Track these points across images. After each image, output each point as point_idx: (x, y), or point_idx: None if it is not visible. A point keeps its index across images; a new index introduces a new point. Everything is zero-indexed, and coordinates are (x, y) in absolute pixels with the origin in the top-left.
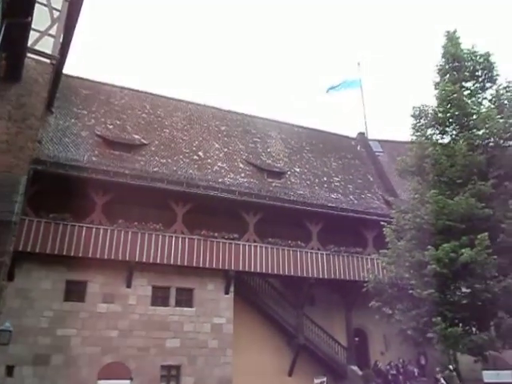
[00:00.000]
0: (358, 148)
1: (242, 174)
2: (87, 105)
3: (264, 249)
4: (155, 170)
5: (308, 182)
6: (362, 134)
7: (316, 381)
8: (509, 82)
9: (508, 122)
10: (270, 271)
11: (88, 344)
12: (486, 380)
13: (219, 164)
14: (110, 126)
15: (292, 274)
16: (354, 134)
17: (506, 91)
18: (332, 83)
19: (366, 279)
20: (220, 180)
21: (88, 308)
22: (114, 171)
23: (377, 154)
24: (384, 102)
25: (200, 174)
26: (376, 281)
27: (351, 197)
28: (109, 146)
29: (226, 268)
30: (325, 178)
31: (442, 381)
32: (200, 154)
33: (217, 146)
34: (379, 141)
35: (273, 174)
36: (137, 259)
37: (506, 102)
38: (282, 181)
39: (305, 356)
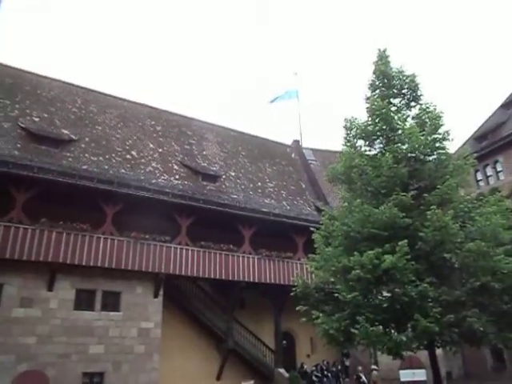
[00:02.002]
0: (293, 155)
1: (177, 176)
2: (10, 94)
3: (196, 252)
4: (84, 167)
5: (242, 187)
6: (296, 142)
7: None
8: (430, 103)
9: (428, 139)
10: (201, 275)
11: (0, 352)
12: (402, 379)
13: (153, 164)
14: (36, 119)
15: (223, 277)
16: (289, 142)
17: (427, 111)
18: (275, 94)
19: (295, 283)
20: (153, 181)
21: (2, 313)
22: (38, 166)
23: (310, 162)
24: (320, 112)
25: (132, 173)
26: (304, 285)
27: (284, 202)
28: (34, 140)
29: (156, 271)
30: (259, 184)
31: (363, 378)
32: (133, 153)
33: (151, 145)
34: (313, 149)
35: (208, 177)
36: (60, 260)
37: (427, 120)
38: (216, 184)
39: (233, 360)
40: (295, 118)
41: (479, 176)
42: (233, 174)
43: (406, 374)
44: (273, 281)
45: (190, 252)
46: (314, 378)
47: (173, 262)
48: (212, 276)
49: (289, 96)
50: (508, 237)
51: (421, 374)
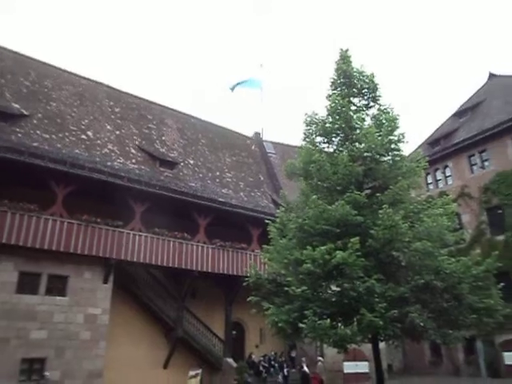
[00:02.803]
0: (253, 147)
1: (133, 160)
2: None
3: (149, 239)
4: (35, 144)
5: (201, 175)
6: (257, 134)
7: (191, 373)
8: (388, 105)
9: (384, 140)
10: (153, 262)
11: None
12: (346, 370)
13: (109, 147)
14: None
15: (176, 266)
16: (250, 133)
17: (385, 112)
18: (236, 81)
19: (248, 274)
20: (108, 163)
21: None
22: None
23: (269, 154)
24: (283, 106)
25: (87, 154)
26: (257, 276)
27: (241, 194)
28: None
29: (107, 256)
30: (217, 173)
31: (305, 368)
32: (89, 133)
33: (108, 127)
34: (273, 142)
35: (165, 164)
36: (4, 241)
37: (384, 121)
38: (174, 171)
39: (182, 349)
40: (258, 110)
41: (429, 179)
42: (191, 161)
43: (349, 366)
44: (226, 271)
45: (143, 238)
46: (261, 368)
47: (125, 248)
48: (165, 264)
49: (251, 84)
50: (452, 238)
51: (363, 366)
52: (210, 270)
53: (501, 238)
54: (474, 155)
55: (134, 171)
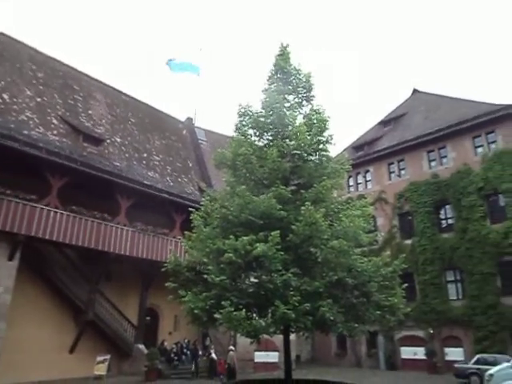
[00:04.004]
0: (184, 132)
1: (55, 132)
2: None
3: (65, 216)
4: None
5: (127, 155)
6: (190, 120)
7: (99, 358)
8: (320, 106)
9: (314, 140)
10: (67, 241)
11: None
12: (256, 360)
13: (28, 114)
14: None
15: (92, 246)
16: (183, 118)
17: (317, 113)
18: (176, 62)
19: (168, 260)
20: (25, 132)
21: None
22: None
23: (200, 141)
24: (220, 95)
25: (1, 119)
26: (176, 262)
27: (168, 178)
28: None
29: (15, 231)
30: (145, 155)
31: (213, 354)
32: (5, 96)
33: (28, 93)
34: (205, 130)
35: (90, 139)
36: None
37: (315, 121)
38: (99, 148)
39: (91, 333)
40: (193, 95)
41: (351, 182)
42: (118, 140)
43: (260, 356)
44: (145, 255)
45: (58, 215)
46: (172, 355)
47: (36, 224)
48: (80, 243)
49: (190, 69)
50: (366, 239)
51: (273, 356)
52: (128, 254)
53: (408, 242)
54: (393, 163)
55: (54, 143)
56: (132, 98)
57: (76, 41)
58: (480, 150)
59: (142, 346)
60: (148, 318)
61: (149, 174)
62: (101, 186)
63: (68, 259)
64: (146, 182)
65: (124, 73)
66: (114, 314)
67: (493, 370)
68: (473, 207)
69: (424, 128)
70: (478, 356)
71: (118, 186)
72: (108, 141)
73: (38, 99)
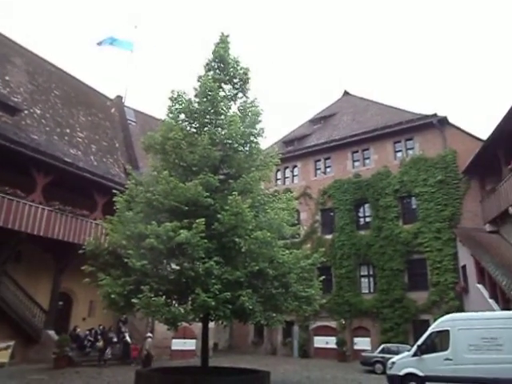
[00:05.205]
0: (112, 110)
1: None
2: None
3: None
4: None
5: (47, 129)
6: (119, 98)
7: (1, 345)
8: (255, 99)
9: (246, 131)
10: None
11: None
12: (173, 347)
13: None
14: None
15: (1, 224)
16: (112, 96)
17: (251, 106)
18: (106, 37)
19: (86, 243)
20: None
21: None
22: None
23: (129, 121)
24: (153, 76)
25: None
26: (95, 245)
27: (92, 157)
28: None
29: None
30: (68, 130)
31: (127, 337)
32: None
33: None
34: (135, 110)
35: (5, 107)
36: None
37: (249, 113)
38: (15, 118)
39: None
40: (125, 73)
41: (279, 175)
42: (38, 111)
43: (177, 343)
44: (61, 237)
45: None
46: (85, 342)
47: None
48: None
49: (122, 45)
50: (289, 232)
51: (191, 344)
52: (42, 234)
53: (329, 236)
54: (319, 160)
55: None
56: (58, 68)
57: None
58: (399, 154)
59: (51, 332)
60: (61, 303)
61: (71, 150)
62: (15, 160)
63: None
64: (66, 159)
65: (51, 43)
66: (21, 298)
67: (395, 358)
68: (388, 207)
69: (351, 129)
70: (382, 346)
71: (34, 160)
72: (26, 111)
73: None
